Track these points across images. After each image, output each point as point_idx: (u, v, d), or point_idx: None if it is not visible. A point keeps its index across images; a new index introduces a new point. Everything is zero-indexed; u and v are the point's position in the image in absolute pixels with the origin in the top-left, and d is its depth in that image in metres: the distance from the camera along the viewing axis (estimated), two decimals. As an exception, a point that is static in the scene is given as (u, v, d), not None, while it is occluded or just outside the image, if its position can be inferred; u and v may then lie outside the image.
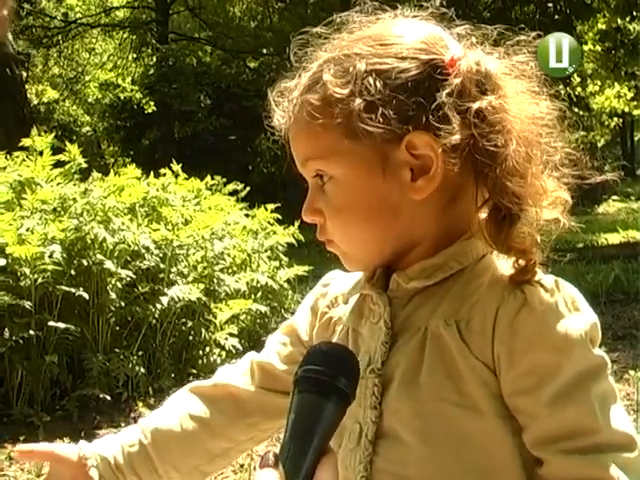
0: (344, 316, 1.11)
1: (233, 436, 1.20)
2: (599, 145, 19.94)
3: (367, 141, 0.96)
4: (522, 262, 0.96)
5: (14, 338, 4.59)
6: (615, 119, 17.05)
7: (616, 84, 13.39)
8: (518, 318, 0.93)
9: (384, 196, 0.98)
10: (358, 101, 0.95)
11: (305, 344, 1.17)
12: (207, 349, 5.54)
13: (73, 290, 4.82)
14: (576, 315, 0.95)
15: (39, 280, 4.72)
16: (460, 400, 0.94)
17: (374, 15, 1.05)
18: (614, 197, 19.24)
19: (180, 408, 1.20)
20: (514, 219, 0.96)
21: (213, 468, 1.22)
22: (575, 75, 11.67)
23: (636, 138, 30.31)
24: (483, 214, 0.99)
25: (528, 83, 1.02)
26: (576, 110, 11.80)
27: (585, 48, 11.75)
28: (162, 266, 5.44)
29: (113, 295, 5.04)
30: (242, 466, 3.83)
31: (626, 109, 16.66)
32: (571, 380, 0.92)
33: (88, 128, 21.74)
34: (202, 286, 5.61)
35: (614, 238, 12.04)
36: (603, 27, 11.78)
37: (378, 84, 0.95)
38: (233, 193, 7.38)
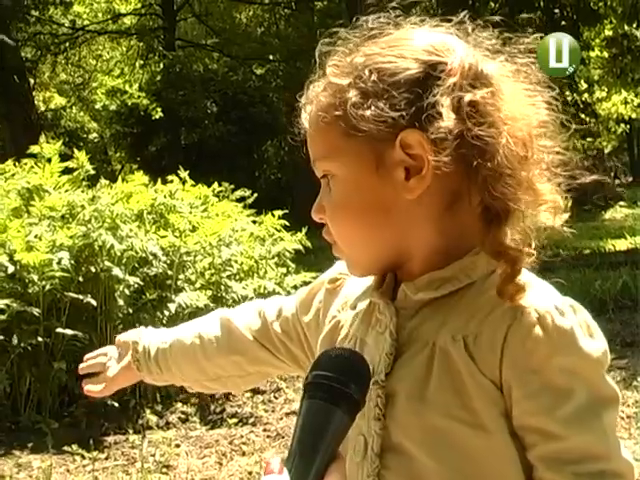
0: (349, 321, 1.11)
1: (221, 364, 1.34)
2: (606, 151, 19.86)
3: (363, 138, 0.96)
4: (508, 269, 0.95)
5: (22, 345, 4.61)
6: (622, 125, 17.01)
7: (623, 90, 13.37)
8: (530, 338, 0.92)
9: (378, 194, 0.99)
10: (353, 92, 0.97)
11: (303, 324, 1.23)
12: (214, 356, 5.53)
13: (81, 297, 4.83)
14: (590, 341, 0.94)
15: (47, 287, 4.74)
16: (467, 417, 0.94)
17: (397, 26, 1.05)
18: (621, 203, 19.15)
19: (201, 324, 1.39)
20: (500, 218, 0.96)
21: (215, 387, 1.41)
22: (582, 81, 11.65)
23: (643, 144, 30.19)
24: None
25: (528, 85, 1.02)
26: (583, 116, 11.76)
27: (592, 54, 11.74)
28: (170, 273, 5.45)
29: (121, 302, 5.06)
30: (250, 473, 3.82)
31: (633, 115, 16.65)
32: (585, 404, 0.92)
33: (95, 134, 21.78)
34: (210, 293, 5.62)
35: (621, 244, 11.98)
36: (610, 33, 11.77)
37: (374, 77, 0.97)
38: (240, 200, 7.37)
